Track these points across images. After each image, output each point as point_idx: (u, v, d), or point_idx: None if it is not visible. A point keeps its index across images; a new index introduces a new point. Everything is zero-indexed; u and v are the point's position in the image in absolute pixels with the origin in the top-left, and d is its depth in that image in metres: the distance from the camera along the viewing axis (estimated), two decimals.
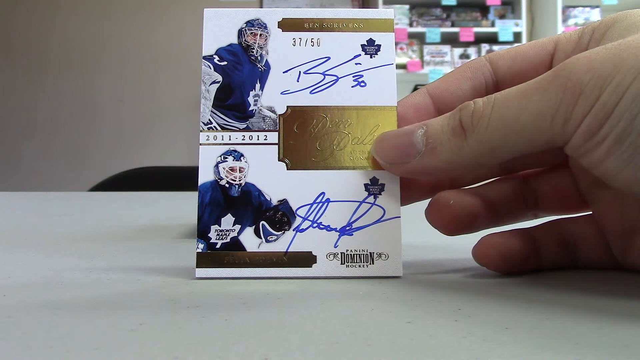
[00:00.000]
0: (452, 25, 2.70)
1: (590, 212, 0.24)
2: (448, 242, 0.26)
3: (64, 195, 0.74)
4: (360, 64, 0.24)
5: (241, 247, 0.22)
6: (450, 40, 2.68)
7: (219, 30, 0.24)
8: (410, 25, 2.69)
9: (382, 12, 0.25)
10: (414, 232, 0.32)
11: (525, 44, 0.24)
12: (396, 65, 0.28)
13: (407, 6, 2.68)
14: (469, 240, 0.23)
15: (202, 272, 0.22)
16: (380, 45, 0.24)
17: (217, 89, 0.24)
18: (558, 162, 0.25)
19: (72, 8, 2.72)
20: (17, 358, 0.14)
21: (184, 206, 0.55)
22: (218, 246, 0.22)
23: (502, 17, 2.73)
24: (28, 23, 2.71)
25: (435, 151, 0.21)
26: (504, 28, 2.64)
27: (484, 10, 2.74)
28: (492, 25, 2.67)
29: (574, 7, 2.70)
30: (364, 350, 0.14)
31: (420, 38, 2.70)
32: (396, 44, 2.54)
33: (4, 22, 2.70)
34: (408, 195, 0.24)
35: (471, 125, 0.20)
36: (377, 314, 0.17)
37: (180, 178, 0.97)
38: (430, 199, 0.23)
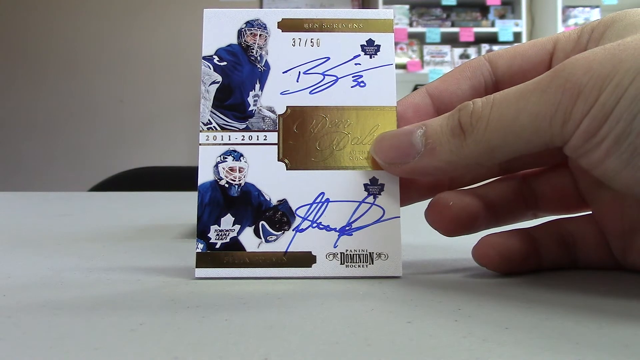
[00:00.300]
0: (452, 25, 2.70)
1: (590, 212, 0.24)
2: (448, 242, 0.26)
3: (64, 195, 0.74)
4: (359, 64, 0.24)
5: (241, 247, 0.22)
6: (450, 40, 2.67)
7: (218, 30, 0.24)
8: (410, 25, 2.68)
9: (381, 12, 0.25)
10: (414, 232, 0.32)
11: (524, 44, 0.24)
12: (396, 65, 0.28)
13: (407, 6, 2.68)
14: (469, 240, 0.23)
15: (201, 272, 0.22)
16: (379, 45, 0.24)
17: (217, 89, 0.24)
18: (558, 162, 0.25)
19: (72, 8, 2.72)
20: (17, 358, 0.14)
21: (184, 206, 0.55)
22: (218, 246, 0.22)
23: (502, 17, 2.73)
24: (28, 23, 2.71)
25: (435, 151, 0.21)
26: (504, 28, 2.63)
27: (484, 10, 2.74)
28: (492, 25, 2.67)
29: (574, 7, 2.70)
30: (364, 350, 0.14)
31: (420, 38, 2.70)
32: (396, 44, 2.54)
33: (4, 22, 2.70)
34: (408, 195, 0.24)
35: (470, 125, 0.20)
36: (377, 314, 0.17)
37: (180, 178, 0.97)
38: (430, 200, 0.23)
